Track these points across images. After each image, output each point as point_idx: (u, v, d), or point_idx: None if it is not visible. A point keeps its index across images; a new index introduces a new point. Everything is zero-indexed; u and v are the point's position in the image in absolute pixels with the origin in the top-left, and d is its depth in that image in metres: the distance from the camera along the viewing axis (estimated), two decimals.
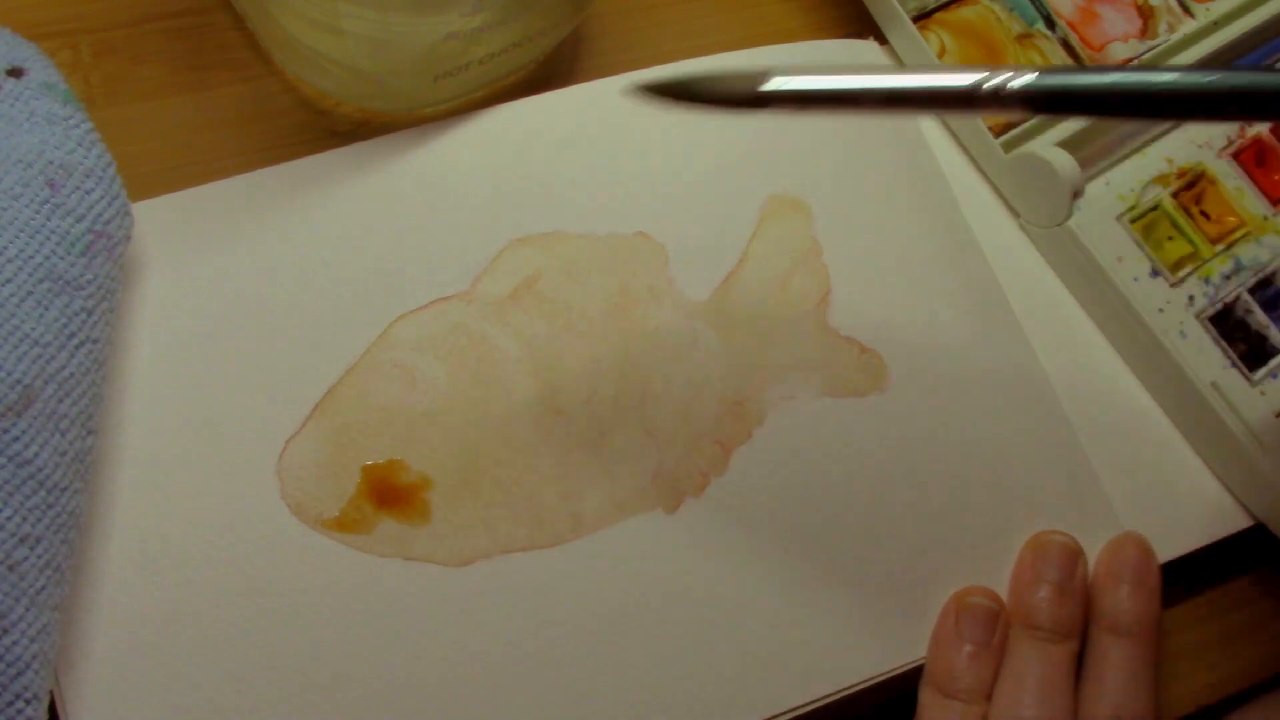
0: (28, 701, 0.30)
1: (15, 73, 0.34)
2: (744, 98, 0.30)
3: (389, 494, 0.36)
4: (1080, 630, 0.38)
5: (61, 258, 0.33)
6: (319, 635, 0.35)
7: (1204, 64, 0.49)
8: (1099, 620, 0.39)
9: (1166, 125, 0.48)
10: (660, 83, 0.31)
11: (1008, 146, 0.46)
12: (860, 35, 0.48)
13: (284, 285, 0.38)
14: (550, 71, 0.45)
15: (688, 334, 0.40)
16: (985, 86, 0.29)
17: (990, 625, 0.38)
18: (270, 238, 0.39)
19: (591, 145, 0.42)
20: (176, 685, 0.33)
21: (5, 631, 0.29)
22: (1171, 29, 0.50)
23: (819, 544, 0.39)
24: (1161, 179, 0.47)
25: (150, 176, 0.39)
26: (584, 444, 0.38)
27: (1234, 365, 0.44)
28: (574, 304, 0.40)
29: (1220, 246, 0.46)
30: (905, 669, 0.38)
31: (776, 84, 0.30)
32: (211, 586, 0.34)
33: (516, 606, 0.36)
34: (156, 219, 0.38)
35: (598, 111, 0.43)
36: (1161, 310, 0.44)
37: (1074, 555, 0.39)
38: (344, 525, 0.36)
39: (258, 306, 0.38)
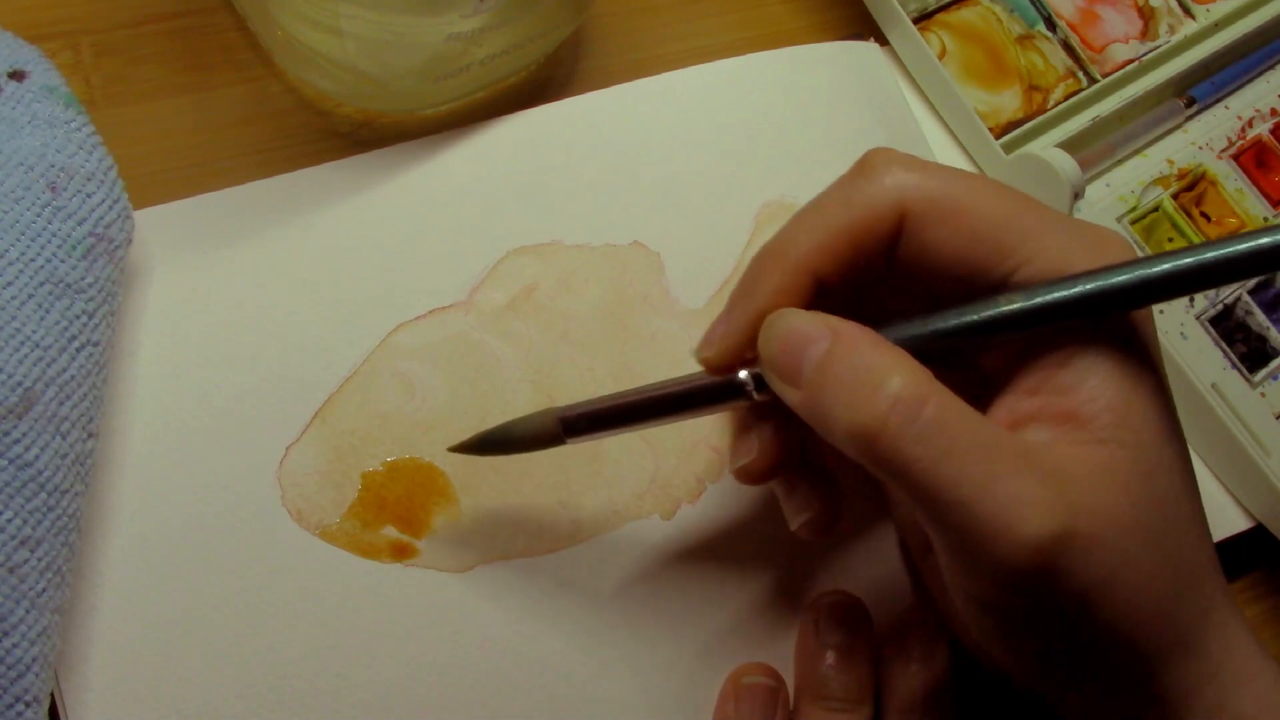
0: (28, 704, 0.30)
1: (17, 75, 0.34)
2: (548, 436, 0.33)
3: (389, 501, 0.37)
4: (872, 697, 0.36)
5: (62, 261, 0.33)
6: (319, 640, 0.35)
7: (1205, 64, 0.49)
8: (892, 700, 0.36)
9: (1169, 125, 0.48)
10: (473, 440, 0.35)
11: (1008, 147, 0.46)
12: (861, 36, 0.48)
13: (284, 293, 0.38)
14: (551, 72, 0.45)
15: (684, 342, 0.40)
16: (752, 381, 0.31)
17: (769, 704, 0.36)
18: (271, 247, 0.39)
19: (587, 156, 0.42)
20: (177, 689, 0.33)
21: (6, 634, 0.29)
22: (1172, 30, 0.50)
23: (815, 548, 0.39)
24: (1162, 180, 0.47)
25: (150, 177, 0.39)
26: (582, 451, 0.38)
27: (1234, 367, 0.44)
28: (571, 313, 0.40)
29: None
30: None
31: (571, 414, 0.33)
32: (212, 591, 0.35)
33: (516, 612, 0.36)
34: (159, 226, 0.38)
35: (593, 123, 0.43)
36: (1161, 311, 0.44)
37: (857, 615, 0.37)
38: (345, 532, 0.36)
39: (258, 314, 0.38)
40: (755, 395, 0.31)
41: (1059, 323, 0.29)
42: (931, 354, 0.30)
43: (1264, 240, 0.27)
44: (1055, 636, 0.29)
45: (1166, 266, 0.28)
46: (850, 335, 0.29)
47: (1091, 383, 0.29)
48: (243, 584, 0.35)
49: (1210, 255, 0.28)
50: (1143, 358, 0.29)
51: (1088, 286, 0.29)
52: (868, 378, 0.28)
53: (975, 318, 0.30)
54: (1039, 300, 0.29)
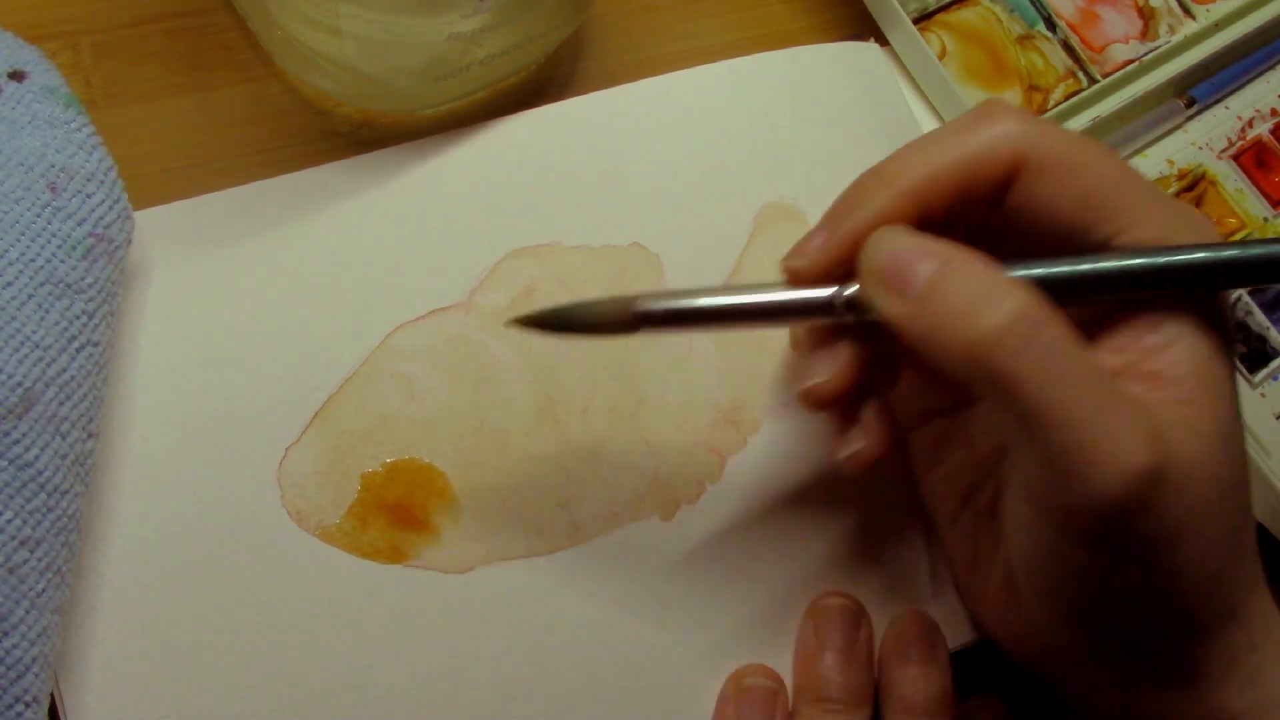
0: (28, 705, 0.30)
1: (17, 76, 0.34)
2: (619, 322, 0.33)
3: (388, 502, 0.37)
4: (871, 699, 0.36)
5: (62, 261, 0.33)
6: (319, 641, 0.35)
7: (1205, 64, 0.49)
8: (892, 703, 0.36)
9: (1169, 125, 0.48)
10: (538, 315, 0.34)
11: None
12: (860, 37, 0.48)
13: (284, 294, 0.38)
14: (551, 72, 0.45)
15: (683, 343, 0.40)
16: (844, 295, 0.31)
17: (770, 706, 0.36)
18: (271, 247, 0.39)
19: (587, 158, 0.42)
20: (177, 689, 0.33)
21: (5, 634, 0.29)
22: (1172, 30, 0.50)
23: (814, 550, 0.39)
24: (1162, 181, 0.47)
25: (151, 177, 0.39)
26: (581, 452, 0.38)
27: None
28: None
29: None
30: None
31: (648, 305, 0.32)
32: (211, 591, 0.35)
33: (515, 613, 0.36)
34: (159, 227, 0.38)
35: (592, 124, 0.43)
36: None
37: (855, 617, 0.37)
38: (344, 532, 0.36)
39: (258, 314, 0.38)
40: (845, 313, 0.31)
41: (1170, 288, 0.30)
42: None
43: None
44: (1123, 585, 0.30)
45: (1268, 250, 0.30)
46: (963, 256, 0.29)
47: (1179, 347, 0.30)
48: (242, 584, 0.35)
49: None
50: (1222, 332, 0.31)
51: (1203, 256, 0.30)
52: (986, 293, 0.28)
53: (1099, 267, 0.30)
54: (1164, 260, 0.30)
